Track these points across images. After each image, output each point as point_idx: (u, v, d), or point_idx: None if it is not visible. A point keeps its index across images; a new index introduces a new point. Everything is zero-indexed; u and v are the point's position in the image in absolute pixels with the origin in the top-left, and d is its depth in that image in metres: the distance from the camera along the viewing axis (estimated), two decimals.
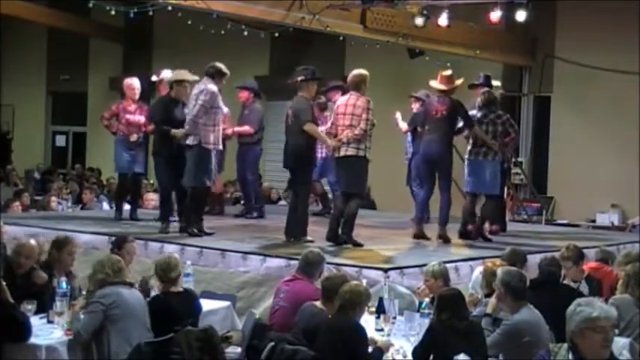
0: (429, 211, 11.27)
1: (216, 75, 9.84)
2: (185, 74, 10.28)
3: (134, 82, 11.48)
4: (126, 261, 7.09)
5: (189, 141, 9.74)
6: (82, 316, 6.40)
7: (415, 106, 12.13)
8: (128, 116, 11.26)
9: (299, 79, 9.66)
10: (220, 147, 10.10)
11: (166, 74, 11.35)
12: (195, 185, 9.85)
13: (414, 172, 12.03)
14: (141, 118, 11.24)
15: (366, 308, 6.55)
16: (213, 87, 9.73)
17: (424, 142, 10.62)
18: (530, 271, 7.73)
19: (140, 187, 12.07)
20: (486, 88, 11.27)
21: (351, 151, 9.40)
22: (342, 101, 9.64)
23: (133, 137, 11.22)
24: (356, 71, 9.75)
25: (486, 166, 10.73)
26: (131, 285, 6.61)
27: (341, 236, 9.50)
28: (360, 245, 9.46)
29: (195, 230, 9.82)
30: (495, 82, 11.97)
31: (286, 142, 9.73)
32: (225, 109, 11.85)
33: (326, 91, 12.22)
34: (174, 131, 9.95)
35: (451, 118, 10.47)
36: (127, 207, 14.11)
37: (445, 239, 10.26)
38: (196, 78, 10.13)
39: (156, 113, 10.54)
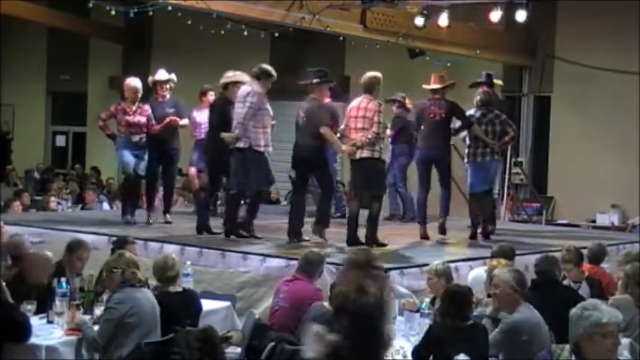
0: (413, 211, 11.45)
1: (261, 76, 9.62)
2: (242, 76, 10.04)
3: (135, 83, 11.12)
4: None
5: (240, 144, 9.53)
6: (88, 320, 6.43)
7: (394, 109, 12.26)
8: (127, 118, 10.85)
9: (314, 81, 9.70)
10: (270, 149, 9.83)
11: (162, 75, 11.21)
12: (244, 190, 9.75)
13: (399, 174, 12.46)
14: (141, 119, 10.86)
15: None
16: (259, 89, 9.56)
17: (422, 145, 10.71)
18: (531, 272, 7.74)
19: (139, 190, 11.53)
20: (484, 88, 11.29)
21: (366, 154, 9.43)
22: (355, 104, 9.65)
23: (135, 138, 10.79)
24: (370, 74, 9.76)
25: (491, 166, 10.83)
26: (144, 284, 6.61)
27: (366, 238, 9.49)
28: (384, 245, 9.54)
29: (245, 233, 9.74)
30: (497, 81, 11.97)
31: (296, 142, 9.76)
32: None
33: None
34: (224, 135, 9.67)
35: (448, 120, 10.56)
36: None
37: (442, 231, 10.46)
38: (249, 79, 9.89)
39: (213, 117, 10.21)
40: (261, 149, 9.55)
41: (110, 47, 21.50)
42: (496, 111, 10.97)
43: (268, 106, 9.71)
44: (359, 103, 9.58)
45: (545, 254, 7.96)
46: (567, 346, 4.52)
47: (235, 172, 9.68)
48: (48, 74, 23.07)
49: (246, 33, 14.60)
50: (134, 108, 10.93)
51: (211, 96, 11.87)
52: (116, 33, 20.67)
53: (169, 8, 12.96)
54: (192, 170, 12.18)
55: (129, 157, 10.82)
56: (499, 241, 10.02)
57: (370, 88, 9.60)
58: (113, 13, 13.23)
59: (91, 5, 12.71)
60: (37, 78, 22.93)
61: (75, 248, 7.50)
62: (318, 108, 9.63)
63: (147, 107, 11.04)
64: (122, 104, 11.06)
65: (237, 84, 9.94)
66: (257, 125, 9.51)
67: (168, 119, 11.00)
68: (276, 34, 14.61)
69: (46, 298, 6.75)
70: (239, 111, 9.51)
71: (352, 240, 9.42)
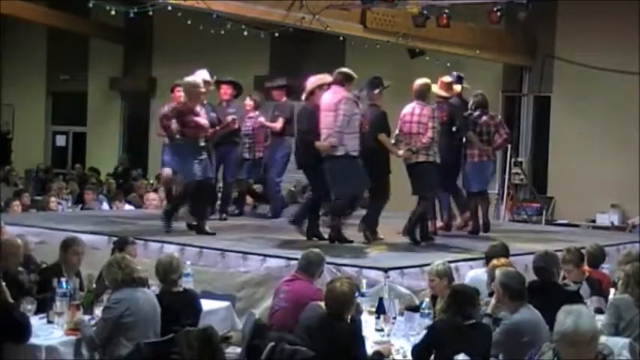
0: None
1: (345, 81, 9.64)
2: (326, 77, 9.92)
3: (200, 80, 10.19)
4: None
5: (337, 152, 9.50)
6: (88, 320, 6.44)
7: None
8: (197, 119, 9.92)
9: (376, 91, 10.02)
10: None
11: (205, 76, 10.46)
12: (354, 193, 9.75)
13: None
14: (206, 122, 10.07)
15: (355, 304, 6.52)
16: (348, 94, 9.61)
17: None
18: (531, 272, 7.73)
19: (216, 193, 10.93)
20: (479, 91, 11.56)
21: (422, 158, 9.89)
22: (408, 110, 10.04)
23: (202, 142, 9.94)
24: (421, 80, 10.14)
25: (487, 167, 11.31)
26: (144, 283, 6.61)
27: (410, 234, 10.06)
28: (419, 243, 10.04)
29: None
30: (465, 84, 11.93)
31: (362, 148, 9.89)
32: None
33: (270, 88, 12.21)
34: (318, 144, 9.55)
35: (452, 124, 10.89)
36: (127, 207, 14.16)
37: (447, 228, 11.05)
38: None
39: (302, 122, 10.06)
40: (356, 154, 9.63)
41: (110, 47, 21.51)
42: (492, 113, 11.31)
43: (357, 110, 9.74)
44: (412, 109, 10.00)
45: (545, 251, 7.91)
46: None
47: (334, 181, 9.65)
48: (48, 74, 23.07)
49: (246, 33, 14.61)
50: (199, 108, 10.08)
51: (179, 92, 10.99)
52: (116, 33, 20.68)
53: (169, 8, 12.95)
54: (167, 172, 11.58)
55: (195, 162, 9.89)
56: (493, 239, 10.07)
57: (422, 94, 10.08)
58: (113, 13, 13.22)
59: (91, 5, 12.70)
60: (37, 78, 22.93)
61: (69, 244, 7.54)
62: (379, 116, 10.00)
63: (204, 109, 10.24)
64: (188, 104, 10.02)
65: (322, 87, 9.88)
66: (350, 131, 9.56)
67: (231, 120, 10.93)
68: (276, 34, 14.61)
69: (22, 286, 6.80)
70: (330, 119, 9.49)
71: (424, 235, 10.10)
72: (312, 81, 10.00)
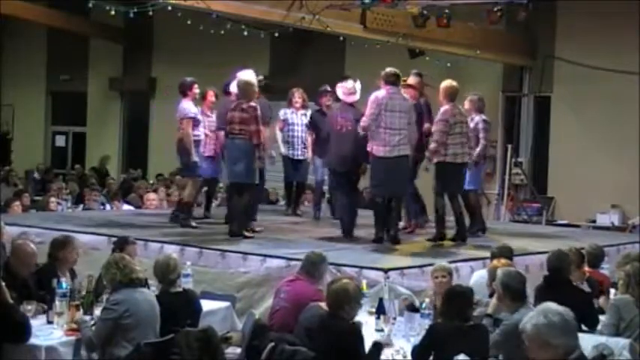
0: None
1: (398, 81, 9.79)
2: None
3: (255, 78, 9.95)
4: None
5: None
6: (88, 320, 6.44)
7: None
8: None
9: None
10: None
11: (247, 75, 9.95)
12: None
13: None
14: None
15: (358, 305, 6.51)
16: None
17: None
18: (532, 272, 7.73)
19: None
20: (478, 94, 11.57)
21: (465, 158, 10.14)
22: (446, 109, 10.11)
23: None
24: (451, 83, 10.18)
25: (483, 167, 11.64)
26: (142, 283, 6.60)
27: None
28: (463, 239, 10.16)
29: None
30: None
31: None
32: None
33: None
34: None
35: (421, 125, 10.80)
36: (125, 207, 14.15)
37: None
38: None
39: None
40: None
41: (110, 47, 21.53)
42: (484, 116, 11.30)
43: None
44: (451, 109, 10.05)
45: (559, 250, 7.87)
46: None
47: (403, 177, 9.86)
48: (48, 74, 23.08)
49: (246, 33, 14.62)
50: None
51: (212, 97, 11.13)
52: (116, 33, 20.70)
53: (169, 8, 12.96)
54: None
55: (254, 164, 9.86)
56: (493, 239, 10.06)
57: (454, 96, 10.14)
58: (113, 13, 13.25)
59: (91, 5, 12.72)
60: (37, 78, 22.94)
61: (62, 245, 7.55)
62: None
63: None
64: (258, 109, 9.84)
65: None
66: None
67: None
68: (276, 34, 14.62)
69: (29, 290, 6.81)
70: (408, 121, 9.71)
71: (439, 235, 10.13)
72: (357, 89, 10.05)
